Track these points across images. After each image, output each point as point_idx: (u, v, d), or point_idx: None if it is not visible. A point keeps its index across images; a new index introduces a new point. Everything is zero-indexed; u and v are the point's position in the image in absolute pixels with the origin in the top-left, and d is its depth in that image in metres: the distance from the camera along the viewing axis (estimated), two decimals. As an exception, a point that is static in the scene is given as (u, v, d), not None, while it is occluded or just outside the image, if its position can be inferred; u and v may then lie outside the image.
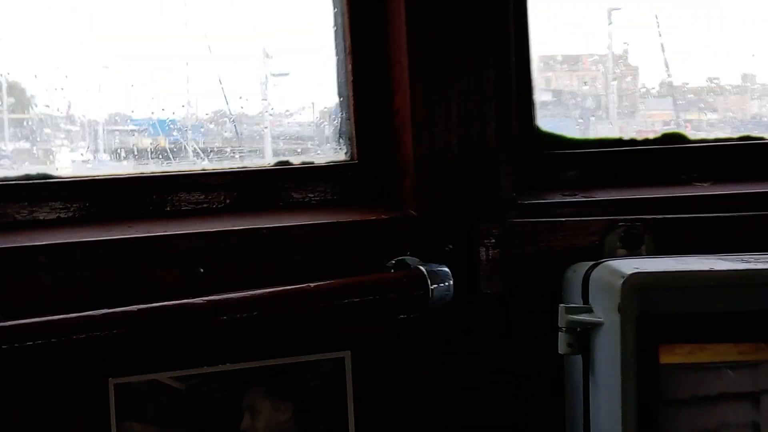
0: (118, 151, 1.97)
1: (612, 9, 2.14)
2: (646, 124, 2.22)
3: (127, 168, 1.93)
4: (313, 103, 2.04)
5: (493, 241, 1.79)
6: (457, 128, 1.80)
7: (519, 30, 1.90)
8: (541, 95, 2.07)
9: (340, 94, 1.91)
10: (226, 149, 1.98)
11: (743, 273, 1.62)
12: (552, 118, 2.15)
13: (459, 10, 1.80)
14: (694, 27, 2.13)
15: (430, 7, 1.78)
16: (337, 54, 1.89)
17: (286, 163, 1.90)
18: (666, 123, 2.20)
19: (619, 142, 2.03)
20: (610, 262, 1.67)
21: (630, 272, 1.57)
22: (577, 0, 2.13)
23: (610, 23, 2.17)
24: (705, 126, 2.22)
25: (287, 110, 2.06)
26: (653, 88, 2.24)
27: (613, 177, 1.99)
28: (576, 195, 1.91)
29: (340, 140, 1.92)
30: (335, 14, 1.87)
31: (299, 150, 1.99)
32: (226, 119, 2.01)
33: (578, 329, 1.65)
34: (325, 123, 1.97)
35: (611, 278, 1.60)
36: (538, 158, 1.96)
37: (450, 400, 1.81)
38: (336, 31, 1.87)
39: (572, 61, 2.26)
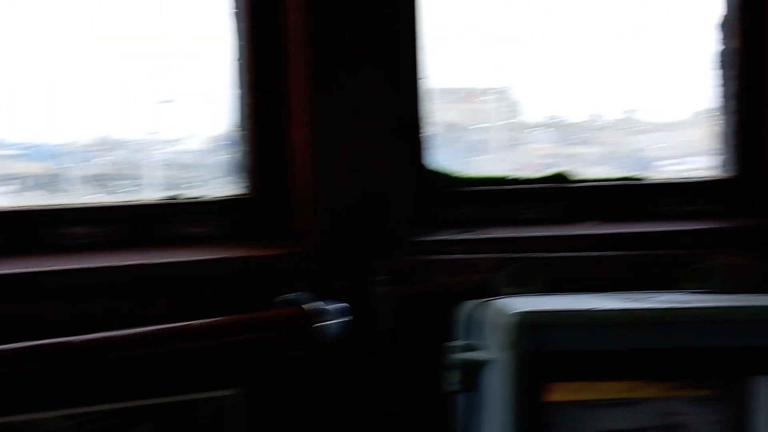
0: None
1: (501, 42, 2.17)
2: (533, 158, 2.27)
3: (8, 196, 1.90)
4: (213, 135, 2.05)
5: (386, 277, 1.79)
6: (351, 164, 1.81)
7: (411, 65, 1.93)
8: (432, 129, 2.08)
9: (239, 127, 1.91)
10: (114, 179, 1.96)
11: (627, 312, 1.64)
12: (443, 152, 2.17)
13: (354, 49, 1.82)
14: (580, 63, 2.19)
15: (327, 47, 1.80)
16: (241, 87, 1.90)
17: (179, 196, 1.89)
18: (554, 156, 2.25)
19: (508, 180, 2.06)
20: (499, 300, 1.69)
21: (518, 310, 1.58)
22: (467, 34, 2.15)
23: (500, 57, 2.20)
24: (588, 159, 2.27)
25: (181, 139, 2.06)
26: (539, 123, 2.29)
27: (502, 215, 2.01)
28: (467, 233, 1.92)
29: (237, 173, 1.92)
30: (239, 47, 1.88)
31: (194, 182, 1.98)
32: (114, 147, 2.00)
33: (466, 367, 1.66)
34: (223, 155, 1.97)
35: (500, 316, 1.61)
36: (430, 195, 1.97)
37: None
38: (239, 65, 1.89)
39: (462, 95, 2.30)
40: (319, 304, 1.70)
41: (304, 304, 1.71)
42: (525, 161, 2.27)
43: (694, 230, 1.98)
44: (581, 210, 2.03)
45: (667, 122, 2.29)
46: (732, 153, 2.10)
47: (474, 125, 2.31)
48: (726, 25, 2.09)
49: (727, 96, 2.09)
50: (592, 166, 2.26)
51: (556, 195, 2.03)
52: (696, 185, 2.12)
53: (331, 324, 1.70)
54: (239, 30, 1.88)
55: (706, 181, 2.13)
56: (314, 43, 1.79)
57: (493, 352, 1.61)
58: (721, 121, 2.10)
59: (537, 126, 2.32)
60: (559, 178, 2.05)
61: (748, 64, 2.07)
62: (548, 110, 2.30)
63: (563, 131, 2.29)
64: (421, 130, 1.95)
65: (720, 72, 2.10)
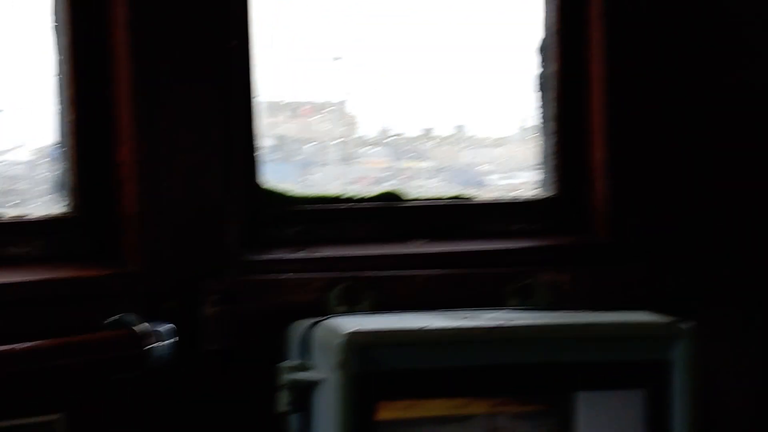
0: None
1: (336, 58, 2.18)
2: (368, 173, 2.29)
3: None
4: (39, 150, 2.00)
5: (217, 297, 1.78)
6: (181, 183, 1.80)
7: (244, 81, 1.93)
8: (266, 146, 2.09)
9: (61, 144, 1.86)
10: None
11: (454, 330, 1.68)
12: (277, 168, 2.17)
13: (184, 65, 1.81)
14: (414, 79, 2.22)
15: (154, 63, 1.78)
16: (61, 103, 1.85)
17: (1, 215, 1.83)
18: (388, 171, 2.27)
19: (341, 199, 2.08)
20: (330, 319, 1.71)
21: (349, 330, 1.61)
22: (301, 49, 2.14)
23: (335, 72, 2.21)
24: (422, 174, 2.31)
25: (6, 151, 2.01)
26: (373, 138, 2.31)
27: (334, 234, 2.03)
28: (298, 252, 1.93)
29: (60, 192, 1.87)
30: (60, 62, 1.83)
31: (18, 199, 1.93)
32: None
33: (297, 387, 1.67)
34: (44, 173, 1.92)
35: (331, 336, 1.63)
36: (263, 214, 1.96)
37: None
38: (60, 80, 1.83)
39: (298, 110, 2.30)
40: (148, 326, 1.69)
41: (132, 325, 1.70)
42: (360, 176, 2.29)
43: (518, 249, 2.02)
44: (411, 228, 2.06)
45: (497, 138, 2.36)
46: (552, 172, 2.14)
47: (309, 141, 2.31)
48: (545, 49, 2.14)
49: (546, 117, 2.16)
50: (425, 180, 2.30)
51: (386, 213, 2.06)
52: (520, 204, 2.15)
53: (160, 346, 1.69)
54: (59, 44, 1.83)
55: (530, 201, 2.16)
56: (140, 59, 1.77)
57: (324, 372, 1.63)
58: (542, 142, 2.17)
59: (372, 141, 2.34)
60: (391, 196, 2.08)
61: (567, 86, 2.14)
62: (383, 125, 2.33)
63: (398, 146, 2.32)
64: (255, 148, 1.96)
65: (540, 94, 2.17)
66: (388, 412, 1.65)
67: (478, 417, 1.69)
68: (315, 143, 2.29)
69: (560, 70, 2.13)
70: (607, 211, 2.08)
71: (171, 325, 1.71)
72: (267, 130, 2.08)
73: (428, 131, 2.34)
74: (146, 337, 1.68)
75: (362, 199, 2.08)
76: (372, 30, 2.17)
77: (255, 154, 1.95)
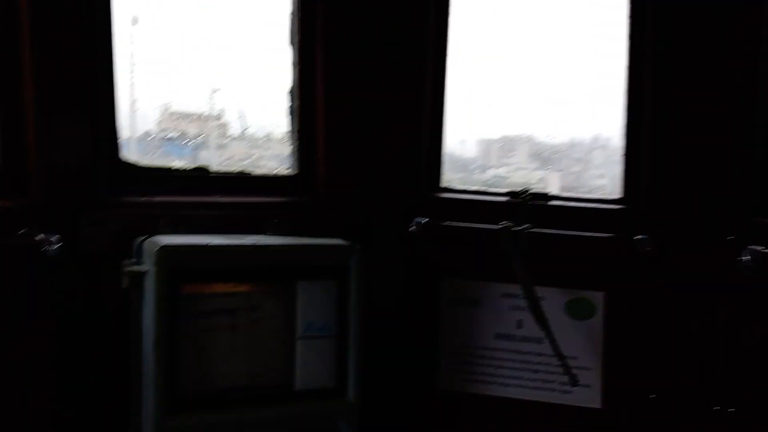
0: None
1: (215, 90, 2.22)
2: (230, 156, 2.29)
3: None
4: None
5: (90, 221, 1.84)
6: (67, 150, 1.81)
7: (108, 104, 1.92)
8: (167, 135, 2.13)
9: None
10: None
11: (228, 245, 1.81)
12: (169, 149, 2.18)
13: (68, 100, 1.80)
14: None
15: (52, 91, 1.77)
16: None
17: None
18: (242, 159, 2.27)
19: (170, 169, 2.07)
20: (155, 236, 1.80)
21: (163, 243, 1.73)
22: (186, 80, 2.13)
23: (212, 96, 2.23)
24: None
25: None
26: (235, 136, 2.30)
27: (168, 189, 2.03)
28: (144, 197, 1.96)
29: None
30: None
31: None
32: None
33: (134, 274, 1.76)
34: None
35: (152, 246, 1.75)
36: (122, 174, 1.95)
37: (65, 336, 1.81)
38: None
39: (186, 116, 2.28)
40: (43, 235, 1.73)
41: (34, 235, 1.74)
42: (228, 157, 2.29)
43: (274, 202, 2.09)
44: (216, 188, 2.09)
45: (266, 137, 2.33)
46: (296, 159, 2.18)
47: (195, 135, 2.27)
48: (292, 92, 2.17)
49: (293, 128, 2.18)
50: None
51: (196, 179, 2.07)
52: (278, 177, 2.21)
53: (52, 247, 1.73)
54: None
55: (283, 175, 2.20)
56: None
57: (149, 266, 1.74)
58: (292, 141, 2.19)
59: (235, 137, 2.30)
60: (202, 169, 2.10)
61: (302, 108, 2.16)
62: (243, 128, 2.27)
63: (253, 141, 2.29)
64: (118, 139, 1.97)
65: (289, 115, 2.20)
66: (188, 289, 1.77)
67: (242, 293, 1.82)
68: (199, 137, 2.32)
69: (300, 105, 2.16)
70: (324, 183, 2.16)
71: (57, 235, 1.74)
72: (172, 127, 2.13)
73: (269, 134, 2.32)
74: (43, 241, 1.73)
75: (184, 170, 2.10)
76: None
77: (117, 142, 1.99)
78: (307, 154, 2.17)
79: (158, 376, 1.66)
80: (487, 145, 2.47)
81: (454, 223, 2.13)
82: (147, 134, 2.19)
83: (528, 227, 2.09)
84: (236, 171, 2.17)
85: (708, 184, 2.06)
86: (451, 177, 2.29)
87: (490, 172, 2.39)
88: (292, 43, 2.17)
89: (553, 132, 2.34)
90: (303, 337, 1.85)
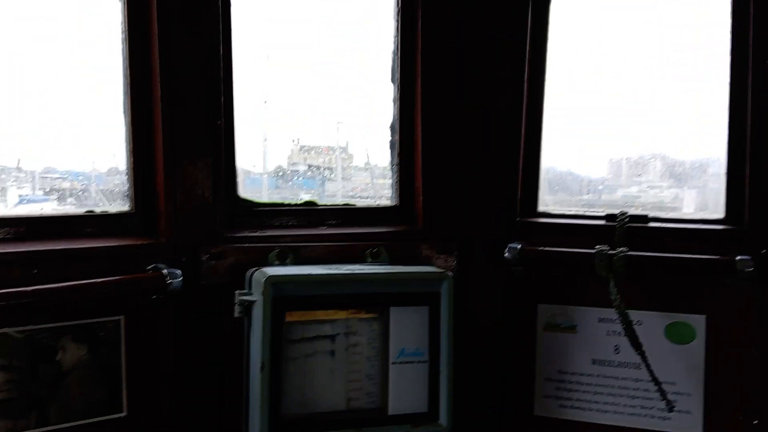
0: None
1: (339, 122, 2.24)
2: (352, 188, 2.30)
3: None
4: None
5: (209, 255, 1.89)
6: (191, 192, 1.87)
7: (228, 145, 1.97)
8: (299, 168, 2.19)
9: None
10: None
11: (327, 274, 1.82)
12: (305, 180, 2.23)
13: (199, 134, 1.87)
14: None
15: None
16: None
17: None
18: (365, 189, 2.27)
19: (281, 204, 2.11)
20: (263, 268, 1.83)
21: (269, 274, 1.75)
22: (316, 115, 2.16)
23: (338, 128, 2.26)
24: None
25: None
26: (360, 167, 2.31)
27: (278, 223, 2.08)
28: (256, 231, 1.99)
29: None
30: None
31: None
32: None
33: (245, 303, 1.78)
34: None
35: (260, 276, 1.77)
36: (238, 210, 2.03)
37: (184, 360, 1.86)
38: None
39: (316, 150, 2.32)
40: (170, 269, 1.81)
41: (161, 270, 1.81)
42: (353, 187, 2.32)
43: (374, 232, 2.07)
44: (330, 219, 2.13)
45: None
46: (396, 191, 2.15)
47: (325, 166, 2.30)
48: (393, 126, 2.17)
49: (393, 162, 2.19)
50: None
51: (306, 212, 2.13)
52: (381, 208, 2.19)
53: (175, 280, 1.80)
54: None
55: (385, 206, 2.20)
56: None
57: (257, 296, 1.77)
58: (393, 174, 2.17)
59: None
60: (312, 203, 2.15)
61: (402, 143, 2.18)
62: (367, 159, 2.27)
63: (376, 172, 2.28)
64: (236, 176, 2.02)
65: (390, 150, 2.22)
66: (292, 316, 1.79)
67: (341, 320, 1.83)
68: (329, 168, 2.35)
69: (400, 138, 2.19)
70: (421, 213, 2.14)
71: (179, 270, 1.81)
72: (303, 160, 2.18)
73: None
74: (168, 275, 1.80)
75: (295, 204, 2.14)
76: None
77: (236, 179, 2.02)
78: (406, 185, 2.18)
79: (263, 398, 1.69)
80: (617, 165, 2.34)
81: (550, 248, 2.07)
82: (279, 168, 2.24)
83: (624, 250, 1.98)
84: (341, 204, 2.20)
85: None
86: (575, 199, 2.24)
87: (620, 192, 2.28)
88: (393, 80, 2.20)
89: (685, 149, 2.20)
90: (396, 362, 1.84)
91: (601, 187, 2.35)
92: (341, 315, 1.81)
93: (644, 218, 2.12)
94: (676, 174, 2.28)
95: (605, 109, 2.19)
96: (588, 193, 2.31)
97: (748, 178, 2.00)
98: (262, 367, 1.74)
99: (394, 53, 2.13)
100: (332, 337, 1.81)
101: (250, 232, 1.97)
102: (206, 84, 1.85)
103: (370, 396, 1.81)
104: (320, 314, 1.80)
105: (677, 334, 2.05)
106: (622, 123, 2.15)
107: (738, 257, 1.95)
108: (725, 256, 1.95)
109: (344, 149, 2.30)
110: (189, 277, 1.82)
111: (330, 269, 1.86)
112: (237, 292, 1.78)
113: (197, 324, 1.87)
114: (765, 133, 1.96)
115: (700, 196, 2.21)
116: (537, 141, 2.18)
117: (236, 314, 1.77)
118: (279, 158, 2.29)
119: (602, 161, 2.35)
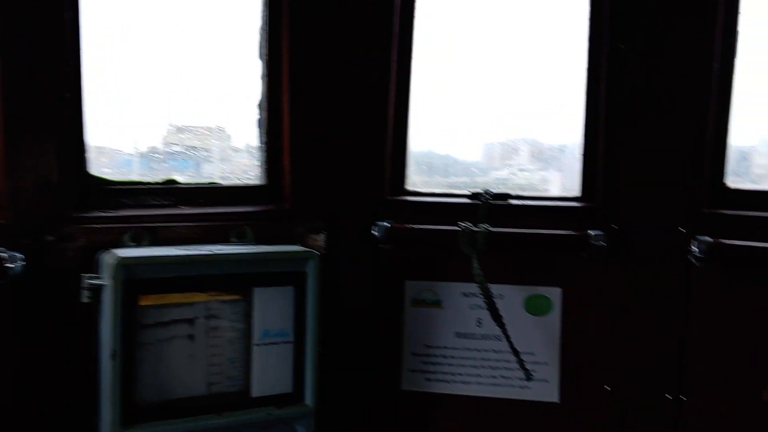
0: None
1: (217, 102, 2.09)
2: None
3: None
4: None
5: (56, 238, 1.74)
6: (32, 171, 1.73)
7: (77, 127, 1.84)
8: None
9: None
10: None
11: (184, 255, 1.71)
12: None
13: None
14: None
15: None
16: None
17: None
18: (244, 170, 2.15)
19: (139, 182, 1.97)
20: (115, 250, 1.70)
21: (120, 256, 1.64)
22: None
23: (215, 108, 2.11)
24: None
25: None
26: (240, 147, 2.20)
27: (136, 203, 1.94)
28: (110, 212, 1.87)
29: None
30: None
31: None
32: None
33: (94, 288, 1.66)
34: None
35: (110, 259, 1.66)
36: (90, 190, 1.88)
37: (30, 351, 1.73)
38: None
39: (192, 130, 2.17)
40: (10, 252, 1.66)
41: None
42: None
43: (239, 211, 1.99)
44: (178, 198, 2.00)
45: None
46: (263, 171, 2.08)
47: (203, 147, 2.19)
48: (260, 106, 2.09)
49: (261, 140, 2.09)
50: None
51: (166, 191, 2.00)
52: (246, 187, 2.10)
53: (15, 265, 1.66)
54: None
55: (250, 186, 2.11)
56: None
57: (107, 279, 1.65)
58: (260, 154, 2.08)
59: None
60: (171, 181, 2.02)
61: (270, 123, 2.08)
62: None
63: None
64: (86, 154, 1.88)
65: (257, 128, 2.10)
66: (146, 300, 1.67)
67: (200, 303, 1.72)
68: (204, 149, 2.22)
69: (268, 116, 2.08)
70: (289, 192, 2.06)
71: (21, 255, 1.67)
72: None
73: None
74: (7, 259, 1.64)
75: (154, 183, 1.99)
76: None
77: (86, 158, 1.89)
78: (274, 164, 2.08)
79: (114, 387, 1.57)
80: (490, 149, 2.36)
81: (417, 226, 2.06)
82: (154, 149, 2.11)
83: (486, 227, 1.97)
84: (206, 183, 2.06)
85: (658, 180, 1.97)
86: (451, 181, 2.22)
87: (493, 175, 2.29)
88: (261, 56, 2.10)
89: (552, 133, 2.24)
90: (260, 344, 1.75)
91: (475, 170, 2.37)
92: (201, 298, 1.70)
93: (505, 196, 2.13)
94: (544, 157, 2.33)
95: (479, 94, 2.21)
96: (463, 176, 2.33)
97: (602, 158, 2.03)
98: (114, 355, 1.61)
99: (262, 29, 2.03)
100: (191, 321, 1.69)
101: (103, 212, 1.84)
102: (48, 55, 1.71)
103: (233, 380, 1.72)
104: (178, 297, 1.68)
105: (535, 307, 2.06)
106: (494, 108, 2.19)
107: (591, 232, 1.94)
108: (580, 231, 1.95)
109: (222, 130, 2.23)
110: (33, 261, 1.68)
111: (189, 250, 1.74)
112: (84, 275, 1.65)
113: (44, 311, 1.72)
114: (617, 116, 2.01)
115: (565, 178, 2.24)
116: (405, 120, 2.16)
117: (84, 299, 1.64)
118: (154, 139, 2.17)
119: (477, 146, 2.40)
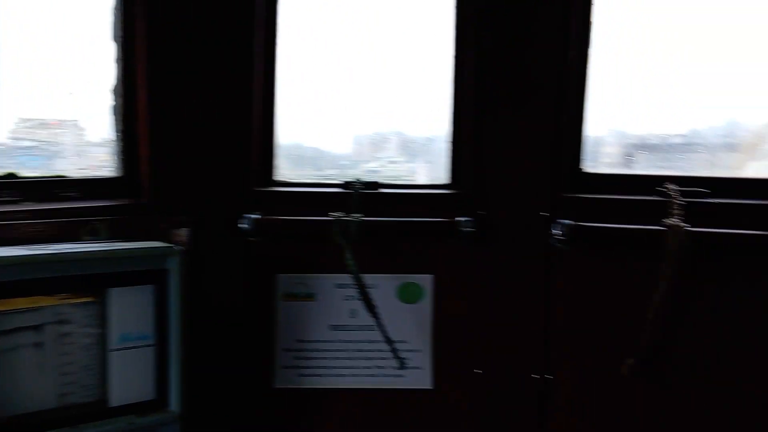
0: None
1: (69, 93, 1.98)
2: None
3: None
4: None
5: None
6: None
7: None
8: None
9: None
10: None
11: (25, 257, 1.57)
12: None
13: None
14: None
15: None
16: None
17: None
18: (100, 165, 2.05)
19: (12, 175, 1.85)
20: None
21: None
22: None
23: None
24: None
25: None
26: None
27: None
28: None
29: None
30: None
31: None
32: None
33: None
34: None
35: None
36: None
37: None
38: None
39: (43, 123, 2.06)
40: None
41: None
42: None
43: (90, 207, 1.86)
44: (27, 196, 1.82)
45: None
46: (117, 164, 1.99)
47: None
48: (116, 92, 2.00)
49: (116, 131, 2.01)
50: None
51: (13, 186, 1.83)
52: (99, 180, 2.01)
53: None
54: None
55: (103, 178, 2.01)
56: None
57: None
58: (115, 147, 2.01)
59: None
60: (10, 176, 1.87)
61: (125, 113, 2.00)
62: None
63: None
64: None
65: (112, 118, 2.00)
66: None
67: (48, 307, 1.58)
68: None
69: (123, 103, 1.99)
70: (148, 184, 1.98)
71: None
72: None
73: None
74: None
75: None
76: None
77: None
78: (131, 154, 1.98)
79: None
80: (360, 142, 2.36)
81: (287, 217, 2.00)
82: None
83: (358, 216, 1.93)
84: (52, 176, 1.94)
85: (521, 167, 2.02)
86: (321, 173, 2.20)
87: (362, 167, 2.28)
88: (115, 38, 1.97)
89: (419, 126, 2.24)
90: (117, 349, 1.64)
91: (346, 163, 2.35)
92: (49, 302, 1.57)
93: (375, 185, 2.10)
94: (412, 149, 2.35)
95: (347, 87, 2.18)
96: (333, 169, 2.32)
97: (468, 147, 2.06)
98: (-58, 371, 1.41)
99: (115, 8, 1.91)
100: (38, 328, 1.55)
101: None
102: None
103: (87, 389, 1.60)
104: (21, 302, 1.54)
105: (408, 294, 2.06)
106: (363, 101, 2.19)
107: (460, 219, 1.95)
108: (449, 218, 1.95)
109: (75, 123, 2.10)
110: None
111: (32, 250, 1.59)
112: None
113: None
114: (483, 106, 2.02)
115: (432, 170, 2.26)
116: (271, 108, 2.09)
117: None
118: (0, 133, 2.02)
119: (346, 138, 2.38)
